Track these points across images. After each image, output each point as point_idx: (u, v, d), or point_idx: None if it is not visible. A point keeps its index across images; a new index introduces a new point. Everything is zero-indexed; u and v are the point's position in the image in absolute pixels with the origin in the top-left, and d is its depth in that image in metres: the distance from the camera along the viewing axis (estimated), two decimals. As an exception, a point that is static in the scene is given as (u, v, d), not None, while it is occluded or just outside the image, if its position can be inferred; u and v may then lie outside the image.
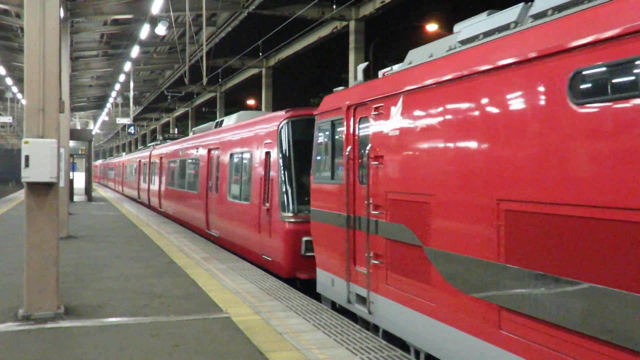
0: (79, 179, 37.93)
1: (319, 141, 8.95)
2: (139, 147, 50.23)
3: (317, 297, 9.05)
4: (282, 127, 10.79)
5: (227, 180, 13.96)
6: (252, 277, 10.31)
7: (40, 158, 7.29)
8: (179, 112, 57.84)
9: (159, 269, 11.04)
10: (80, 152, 34.70)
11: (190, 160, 18.77)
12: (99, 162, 79.91)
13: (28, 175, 7.30)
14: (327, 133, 8.57)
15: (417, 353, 6.33)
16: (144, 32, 23.25)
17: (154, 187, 26.00)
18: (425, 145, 5.94)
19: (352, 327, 7.12)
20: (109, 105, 51.63)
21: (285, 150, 10.64)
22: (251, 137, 12.46)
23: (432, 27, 24.76)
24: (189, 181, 18.62)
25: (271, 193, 10.83)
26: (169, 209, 22.41)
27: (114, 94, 43.44)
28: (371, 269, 6.96)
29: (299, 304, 8.30)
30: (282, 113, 11.11)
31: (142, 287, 9.37)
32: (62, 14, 15.57)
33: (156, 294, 8.91)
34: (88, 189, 34.11)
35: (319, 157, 8.95)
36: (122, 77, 35.54)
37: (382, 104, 6.81)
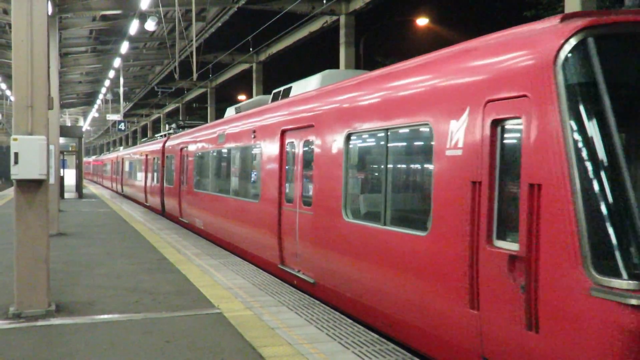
0: (70, 176, 37.72)
1: None
2: (142, 140, 42.81)
3: None
4: (572, 51, 4.54)
5: (339, 184, 7.79)
6: (243, 272, 10.29)
7: (30, 155, 7.25)
8: (170, 108, 57.62)
9: (150, 266, 11.01)
10: (70, 149, 34.54)
11: (239, 152, 12.70)
12: (92, 158, 79.17)
13: (17, 172, 7.26)
14: None
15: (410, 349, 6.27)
16: (133, 27, 23.13)
17: (171, 189, 19.82)
18: None
19: (344, 321, 7.13)
20: (98, 101, 51.39)
21: (596, 111, 4.38)
22: (426, 93, 6.14)
23: (422, 21, 24.78)
24: (237, 183, 12.87)
25: (540, 223, 4.52)
26: (196, 221, 16.24)
27: (103, 90, 43.25)
28: None
29: (291, 299, 8.30)
30: (553, 23, 4.83)
31: (133, 284, 9.34)
32: (50, 10, 15.46)
33: (147, 290, 8.89)
34: (79, 186, 33.98)
35: None
36: (111, 73, 35.38)
37: None
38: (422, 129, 6.24)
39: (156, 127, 65.57)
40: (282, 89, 11.43)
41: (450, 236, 5.47)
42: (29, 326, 6.94)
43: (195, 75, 19.23)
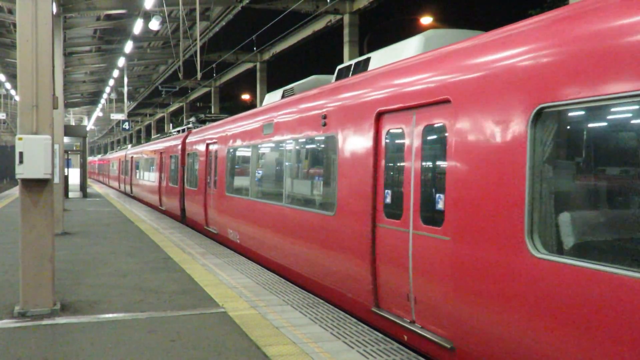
0: (74, 175, 37.80)
1: None
2: (154, 136, 39.13)
3: None
4: None
5: (518, 194, 4.73)
6: (248, 271, 10.30)
7: (34, 154, 7.26)
8: (174, 107, 57.76)
9: (154, 265, 11.03)
10: (74, 148, 34.64)
11: (298, 146, 9.75)
12: (97, 157, 79.28)
13: (22, 171, 7.28)
14: None
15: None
16: (138, 27, 23.21)
17: (195, 192, 17.13)
18: None
19: (349, 320, 7.13)
20: (103, 101, 51.54)
21: None
22: None
23: (426, 19, 24.74)
24: (296, 187, 9.81)
25: None
26: (229, 232, 13.50)
27: (107, 89, 43.38)
28: None
29: (296, 298, 8.31)
30: None
31: (138, 283, 9.36)
32: (54, 10, 15.49)
33: (152, 289, 8.90)
34: (83, 185, 34.07)
35: None
36: (115, 73, 35.50)
37: None
38: None
39: (160, 126, 65.71)
40: (353, 62, 8.82)
41: None
42: (34, 325, 6.96)
43: (199, 75, 19.26)
